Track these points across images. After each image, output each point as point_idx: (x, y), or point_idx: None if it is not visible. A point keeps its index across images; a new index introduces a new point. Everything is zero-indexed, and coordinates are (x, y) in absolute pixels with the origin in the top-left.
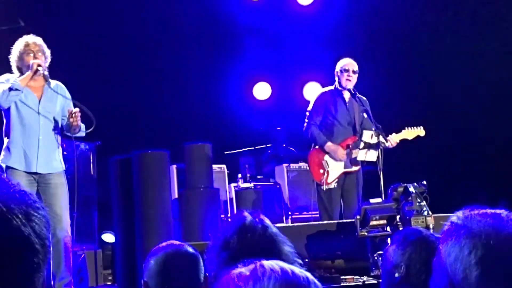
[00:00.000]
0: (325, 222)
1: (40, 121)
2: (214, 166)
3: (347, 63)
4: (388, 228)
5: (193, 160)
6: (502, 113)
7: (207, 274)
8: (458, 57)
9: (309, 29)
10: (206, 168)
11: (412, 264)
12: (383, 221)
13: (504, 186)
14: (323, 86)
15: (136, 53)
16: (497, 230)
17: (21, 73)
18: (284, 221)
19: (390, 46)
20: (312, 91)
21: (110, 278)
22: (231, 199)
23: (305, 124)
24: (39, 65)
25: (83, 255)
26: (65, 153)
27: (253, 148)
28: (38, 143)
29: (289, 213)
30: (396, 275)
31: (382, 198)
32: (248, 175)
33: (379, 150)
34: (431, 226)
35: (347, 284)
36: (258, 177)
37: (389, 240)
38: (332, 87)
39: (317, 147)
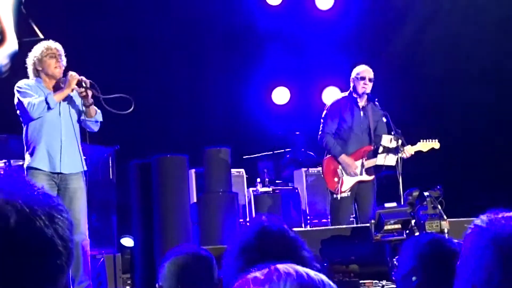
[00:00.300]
0: (341, 226)
1: (62, 122)
2: (233, 171)
3: (364, 70)
4: (403, 232)
5: (212, 164)
6: None
7: (221, 277)
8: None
9: (328, 34)
10: (225, 172)
11: (429, 267)
12: (398, 226)
13: None
14: (342, 91)
15: (156, 57)
16: None
17: (38, 76)
18: (303, 225)
19: (408, 52)
20: (331, 95)
21: (129, 282)
22: (249, 204)
23: (320, 133)
24: (80, 80)
25: (102, 259)
26: (84, 157)
27: (271, 152)
28: (61, 144)
29: (308, 217)
30: (414, 279)
31: (401, 203)
32: (267, 179)
33: (399, 154)
34: (446, 231)
35: None
36: (277, 181)
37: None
38: (346, 94)
39: (330, 154)
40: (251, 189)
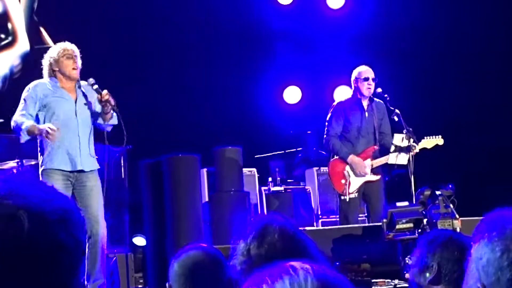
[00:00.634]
0: (352, 226)
1: (78, 120)
2: (245, 170)
3: (366, 71)
4: (415, 232)
5: (224, 163)
6: None
7: (231, 276)
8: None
9: (339, 33)
10: (237, 171)
11: (443, 263)
12: (410, 225)
13: None
14: None
15: (167, 56)
16: None
17: (54, 76)
18: (315, 224)
19: (420, 50)
20: (342, 94)
21: (141, 281)
22: (261, 203)
23: (325, 136)
24: (107, 102)
25: (114, 258)
26: (96, 156)
27: (283, 151)
28: (79, 142)
29: (320, 216)
30: (428, 275)
31: (413, 202)
32: (279, 178)
33: (410, 153)
34: (458, 229)
35: (379, 287)
36: (288, 180)
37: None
38: (349, 96)
39: (336, 156)
40: (262, 188)
